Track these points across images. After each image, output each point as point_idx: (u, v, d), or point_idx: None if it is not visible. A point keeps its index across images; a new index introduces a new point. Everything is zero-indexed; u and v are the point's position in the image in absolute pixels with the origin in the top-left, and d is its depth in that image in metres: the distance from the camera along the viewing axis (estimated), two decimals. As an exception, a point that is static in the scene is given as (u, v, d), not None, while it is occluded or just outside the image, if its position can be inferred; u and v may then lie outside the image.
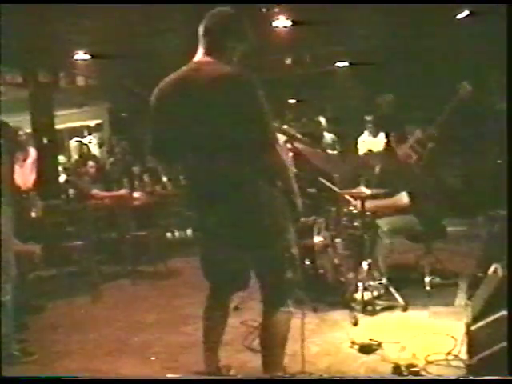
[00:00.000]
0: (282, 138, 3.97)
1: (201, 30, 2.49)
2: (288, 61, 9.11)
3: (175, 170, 2.69)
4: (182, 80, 2.45)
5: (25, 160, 5.78)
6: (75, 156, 10.49)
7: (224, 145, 2.38)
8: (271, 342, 2.56)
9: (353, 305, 3.98)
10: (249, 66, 2.39)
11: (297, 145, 4.21)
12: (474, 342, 2.69)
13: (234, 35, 2.48)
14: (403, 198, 4.36)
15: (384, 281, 4.10)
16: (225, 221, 2.44)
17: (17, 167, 5.58)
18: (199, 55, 2.49)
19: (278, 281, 2.51)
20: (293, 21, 6.87)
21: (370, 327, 3.65)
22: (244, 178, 2.40)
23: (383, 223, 4.29)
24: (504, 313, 2.49)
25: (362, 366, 3.05)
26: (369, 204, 4.32)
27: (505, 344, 2.41)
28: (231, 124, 2.35)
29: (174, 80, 2.47)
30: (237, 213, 2.42)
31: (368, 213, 4.36)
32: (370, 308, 3.92)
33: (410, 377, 2.77)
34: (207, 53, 2.47)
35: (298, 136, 4.36)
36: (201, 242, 2.67)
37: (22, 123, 6.73)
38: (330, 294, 4.25)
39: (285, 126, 4.23)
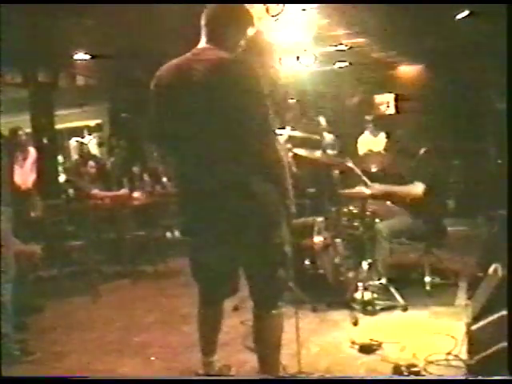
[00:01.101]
0: (282, 138, 3.97)
1: (203, 19, 2.48)
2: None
3: (171, 160, 2.63)
4: (181, 66, 2.44)
5: (25, 160, 5.78)
6: (75, 156, 10.48)
7: (221, 133, 2.35)
8: (265, 344, 2.54)
9: (353, 305, 3.98)
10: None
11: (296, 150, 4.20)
12: (474, 342, 2.69)
13: (236, 24, 2.47)
14: (418, 187, 4.32)
15: (384, 281, 4.10)
16: (216, 215, 2.40)
17: (17, 167, 5.60)
18: (202, 43, 2.49)
19: (268, 280, 2.47)
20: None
21: (370, 327, 3.65)
22: (239, 172, 2.37)
23: (383, 227, 4.27)
24: (504, 313, 2.49)
25: (362, 366, 3.05)
26: (383, 187, 4.32)
27: (505, 344, 2.40)
28: (229, 110, 2.32)
29: (175, 66, 2.47)
30: (229, 207, 2.38)
31: (368, 213, 4.36)
32: (370, 308, 3.92)
33: (411, 377, 2.77)
34: (209, 41, 2.46)
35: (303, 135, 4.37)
36: (190, 239, 2.62)
37: (22, 123, 6.72)
38: (330, 294, 4.25)
39: (287, 128, 4.22)
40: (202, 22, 2.48)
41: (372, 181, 4.32)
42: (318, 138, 4.81)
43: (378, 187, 4.32)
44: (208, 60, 2.37)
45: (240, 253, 2.50)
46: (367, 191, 4.15)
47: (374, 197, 4.30)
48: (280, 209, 2.44)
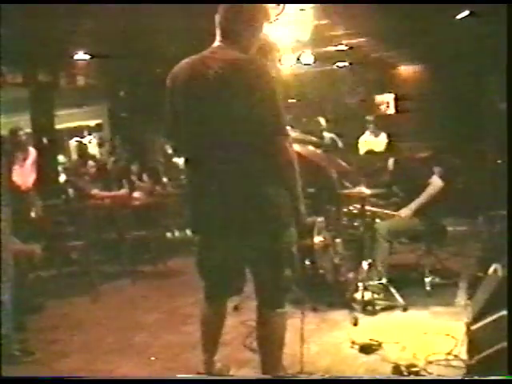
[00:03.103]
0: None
1: (217, 18, 2.47)
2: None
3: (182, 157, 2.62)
4: (197, 64, 2.44)
5: (25, 160, 5.78)
6: (75, 156, 10.49)
7: (234, 131, 2.34)
8: (268, 343, 2.55)
9: (353, 305, 3.98)
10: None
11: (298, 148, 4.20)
12: (474, 342, 2.69)
13: (250, 23, 2.46)
14: (437, 181, 4.36)
15: (384, 281, 4.10)
16: (226, 213, 2.40)
17: (17, 167, 5.59)
18: (216, 42, 2.48)
19: (275, 279, 2.48)
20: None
21: (370, 327, 3.65)
22: (250, 171, 2.37)
23: (381, 226, 4.28)
24: (504, 313, 2.49)
25: (362, 366, 3.05)
26: (414, 205, 4.30)
27: (505, 344, 2.40)
28: (243, 110, 2.32)
29: (190, 63, 2.47)
30: (239, 206, 2.38)
31: (368, 213, 4.37)
32: (370, 308, 3.93)
33: (411, 377, 2.77)
34: (223, 40, 2.46)
35: (311, 139, 4.37)
36: (197, 238, 2.62)
37: (22, 123, 6.72)
38: (329, 294, 4.25)
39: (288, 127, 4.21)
40: (216, 21, 2.48)
41: (374, 181, 4.33)
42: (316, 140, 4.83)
43: (408, 210, 4.32)
44: (223, 59, 2.37)
45: (248, 251, 2.50)
46: (367, 191, 4.15)
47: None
48: (289, 210, 2.43)
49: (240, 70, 2.34)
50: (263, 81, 2.33)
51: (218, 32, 2.47)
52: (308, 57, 7.43)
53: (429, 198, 4.31)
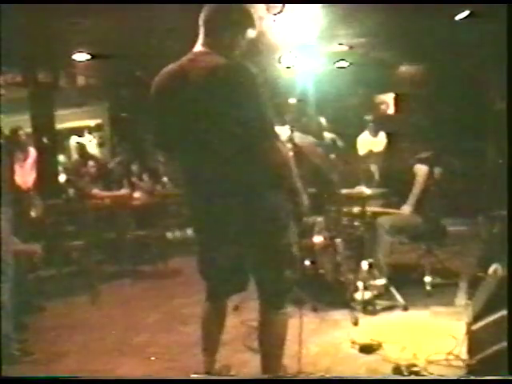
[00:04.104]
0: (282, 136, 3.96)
1: (200, 20, 2.45)
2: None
3: (177, 164, 2.63)
4: (178, 71, 2.42)
5: (25, 160, 5.80)
6: (75, 156, 10.49)
7: (223, 137, 2.34)
8: (270, 343, 2.55)
9: (353, 305, 3.98)
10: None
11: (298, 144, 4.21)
12: (474, 342, 2.69)
13: (233, 26, 2.43)
14: (421, 168, 4.44)
15: (384, 280, 4.10)
16: (224, 216, 2.41)
17: (17, 167, 5.60)
18: (198, 46, 2.46)
19: (276, 280, 2.48)
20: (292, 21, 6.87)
21: (370, 327, 3.65)
22: (246, 175, 2.36)
23: (385, 221, 4.29)
24: (504, 313, 2.49)
25: (362, 365, 3.05)
26: (411, 201, 4.33)
27: (505, 344, 2.41)
28: (229, 114, 2.30)
29: (172, 71, 2.45)
30: (237, 208, 2.38)
31: (368, 212, 4.36)
32: (370, 308, 3.92)
33: (411, 377, 2.77)
34: (205, 44, 2.44)
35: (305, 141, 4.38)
36: (198, 239, 2.63)
37: (22, 123, 6.73)
38: (329, 294, 4.25)
39: (286, 127, 4.22)
40: (200, 23, 2.46)
41: (373, 181, 4.34)
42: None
43: (409, 206, 4.36)
44: (203, 67, 2.34)
45: (249, 253, 2.50)
46: (367, 191, 4.15)
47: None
48: (288, 210, 2.43)
49: (221, 76, 2.31)
50: (246, 85, 2.30)
51: (201, 31, 2.45)
52: (307, 57, 7.43)
53: (422, 187, 4.35)
